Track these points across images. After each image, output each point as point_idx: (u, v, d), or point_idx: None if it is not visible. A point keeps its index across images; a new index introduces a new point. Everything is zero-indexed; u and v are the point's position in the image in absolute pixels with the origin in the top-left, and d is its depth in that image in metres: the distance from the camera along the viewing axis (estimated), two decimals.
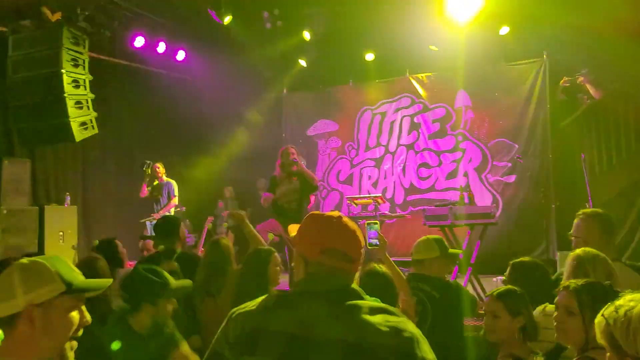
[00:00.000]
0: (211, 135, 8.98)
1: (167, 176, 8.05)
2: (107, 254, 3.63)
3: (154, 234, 7.30)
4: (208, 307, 3.42)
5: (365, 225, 3.45)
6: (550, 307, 2.52)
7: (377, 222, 3.42)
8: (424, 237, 3.57)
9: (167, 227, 4.16)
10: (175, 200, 7.83)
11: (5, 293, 1.49)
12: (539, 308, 2.68)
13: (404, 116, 9.20)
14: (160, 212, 7.69)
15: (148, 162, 7.93)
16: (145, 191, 7.93)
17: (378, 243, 3.19)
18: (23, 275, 1.51)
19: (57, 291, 1.52)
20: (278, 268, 3.39)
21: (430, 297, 3.32)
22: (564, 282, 2.29)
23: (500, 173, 8.47)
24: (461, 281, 5.75)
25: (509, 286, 2.69)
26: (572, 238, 3.28)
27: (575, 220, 3.32)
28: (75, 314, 1.56)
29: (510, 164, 8.39)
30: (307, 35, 8.34)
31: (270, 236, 6.04)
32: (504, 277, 3.11)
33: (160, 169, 7.98)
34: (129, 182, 9.23)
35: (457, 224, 6.29)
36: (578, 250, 2.68)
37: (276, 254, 3.49)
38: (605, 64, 8.34)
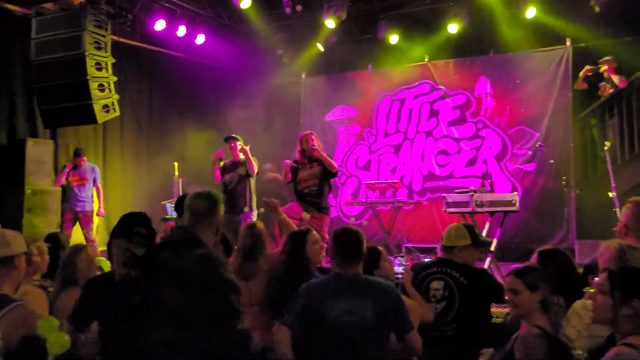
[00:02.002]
0: (230, 118, 8.99)
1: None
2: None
3: (172, 215, 7.45)
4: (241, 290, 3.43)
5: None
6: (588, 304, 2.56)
7: (403, 255, 3.49)
8: (455, 224, 3.56)
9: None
10: None
11: None
12: (577, 304, 2.69)
13: (423, 103, 9.15)
14: None
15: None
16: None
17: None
18: None
19: None
20: (317, 246, 3.42)
21: (459, 283, 3.34)
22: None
23: (520, 161, 8.42)
24: None
25: (526, 264, 2.90)
26: (618, 225, 3.30)
27: (625, 208, 3.32)
28: None
29: (530, 152, 8.33)
30: (329, 23, 8.28)
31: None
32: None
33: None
34: (149, 164, 9.32)
35: (478, 211, 6.29)
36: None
37: (314, 232, 3.53)
38: (629, 51, 8.25)
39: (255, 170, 6.52)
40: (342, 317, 2.76)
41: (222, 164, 6.62)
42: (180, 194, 8.01)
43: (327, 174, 6.28)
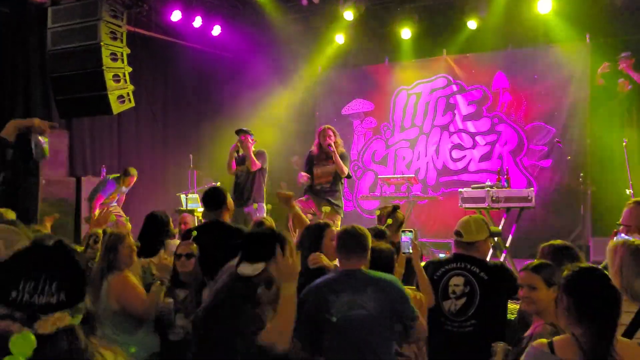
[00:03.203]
0: (245, 111, 8.97)
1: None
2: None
3: (188, 207, 7.47)
4: None
5: (400, 233, 3.61)
6: None
7: (412, 230, 3.44)
8: (471, 218, 3.49)
9: (214, 198, 4.12)
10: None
11: None
12: None
13: (439, 97, 9.08)
14: None
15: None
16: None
17: (410, 252, 3.37)
18: None
19: None
20: (334, 242, 3.39)
21: (479, 278, 3.30)
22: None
23: (536, 157, 8.33)
24: None
25: (542, 260, 2.84)
26: (621, 227, 3.23)
27: (626, 208, 3.25)
28: None
29: (546, 148, 8.25)
30: (347, 15, 8.22)
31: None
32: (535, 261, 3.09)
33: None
34: (163, 156, 9.34)
35: (495, 207, 6.24)
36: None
37: (332, 228, 3.50)
38: None
39: (257, 166, 6.45)
40: (346, 311, 2.78)
41: (236, 154, 6.60)
42: (195, 185, 8.04)
43: (338, 174, 6.26)
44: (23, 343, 1.63)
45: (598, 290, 2.04)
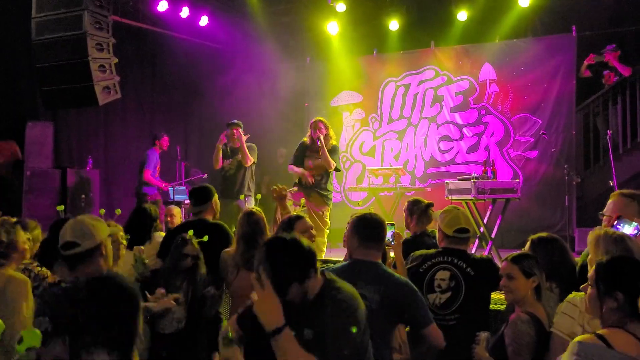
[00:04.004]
0: (233, 102, 8.94)
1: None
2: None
3: (175, 199, 7.46)
4: (243, 279, 3.43)
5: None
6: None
7: (393, 223, 3.48)
8: (460, 212, 3.48)
9: (201, 193, 4.20)
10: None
11: None
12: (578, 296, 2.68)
13: (428, 89, 9.10)
14: None
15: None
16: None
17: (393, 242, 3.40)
18: None
19: None
20: (305, 235, 3.38)
21: (465, 273, 3.33)
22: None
23: (522, 148, 8.40)
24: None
25: (522, 251, 2.97)
26: (604, 217, 3.25)
27: (610, 200, 3.27)
28: None
29: (532, 139, 8.31)
30: (339, 7, 8.20)
31: (289, 203, 6.09)
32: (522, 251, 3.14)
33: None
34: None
35: (480, 198, 6.29)
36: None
37: (303, 220, 3.50)
38: (633, 40, 8.21)
39: (251, 161, 6.48)
40: None
41: (221, 149, 6.62)
42: (183, 177, 8.02)
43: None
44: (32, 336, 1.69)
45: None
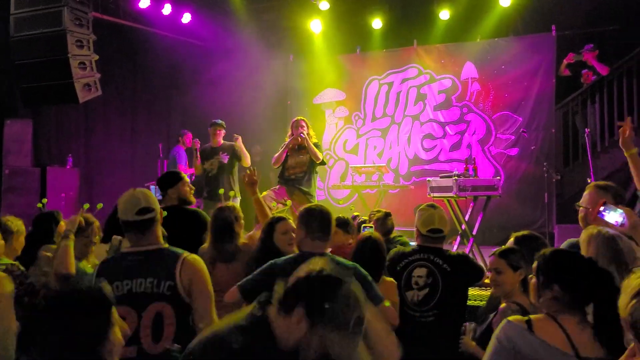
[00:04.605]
0: (216, 99, 8.89)
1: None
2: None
3: (158, 198, 7.41)
4: (220, 272, 3.41)
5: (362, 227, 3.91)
6: None
7: (372, 225, 3.62)
8: (436, 212, 3.49)
9: (167, 178, 4.22)
10: None
11: None
12: None
13: (411, 87, 9.15)
14: None
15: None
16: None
17: None
18: None
19: None
20: (286, 236, 3.36)
21: (441, 269, 3.37)
22: None
23: (503, 146, 8.48)
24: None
25: (509, 245, 3.05)
26: (580, 209, 3.29)
27: (586, 192, 3.31)
28: None
29: (513, 137, 8.40)
30: (323, 5, 8.22)
31: (273, 204, 6.10)
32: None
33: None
34: (132, 145, 9.22)
35: (462, 196, 6.34)
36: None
37: (285, 222, 3.49)
38: (611, 40, 8.34)
39: (249, 158, 6.54)
40: None
41: (198, 153, 6.63)
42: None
43: (314, 162, 6.34)
44: None
45: (586, 272, 2.06)
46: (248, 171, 4.17)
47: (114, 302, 1.70)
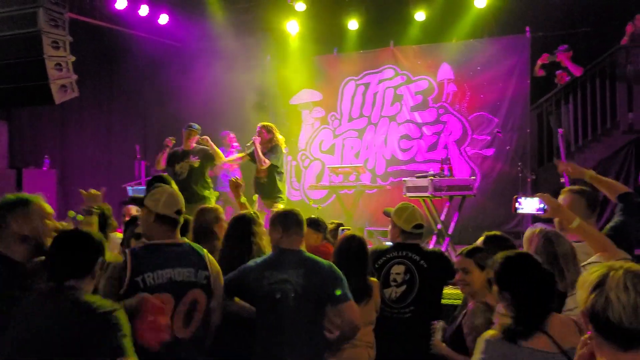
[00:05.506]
0: (192, 101, 8.88)
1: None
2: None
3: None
4: None
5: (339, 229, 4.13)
6: None
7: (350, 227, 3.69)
8: (415, 209, 3.60)
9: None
10: None
11: None
12: None
13: (387, 87, 9.21)
14: None
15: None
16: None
17: None
18: None
19: None
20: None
21: (419, 266, 3.43)
22: None
23: (479, 146, 8.59)
24: None
25: (475, 245, 3.09)
26: (555, 219, 3.37)
27: (561, 196, 3.39)
28: None
29: (489, 138, 8.50)
30: (299, 6, 8.26)
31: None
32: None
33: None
34: (109, 146, 9.16)
35: (437, 195, 6.43)
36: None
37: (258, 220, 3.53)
38: (585, 41, 8.50)
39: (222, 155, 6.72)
40: (276, 284, 2.91)
41: (168, 151, 6.66)
42: (144, 176, 7.94)
43: (274, 166, 6.53)
44: None
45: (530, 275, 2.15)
46: (233, 179, 4.41)
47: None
